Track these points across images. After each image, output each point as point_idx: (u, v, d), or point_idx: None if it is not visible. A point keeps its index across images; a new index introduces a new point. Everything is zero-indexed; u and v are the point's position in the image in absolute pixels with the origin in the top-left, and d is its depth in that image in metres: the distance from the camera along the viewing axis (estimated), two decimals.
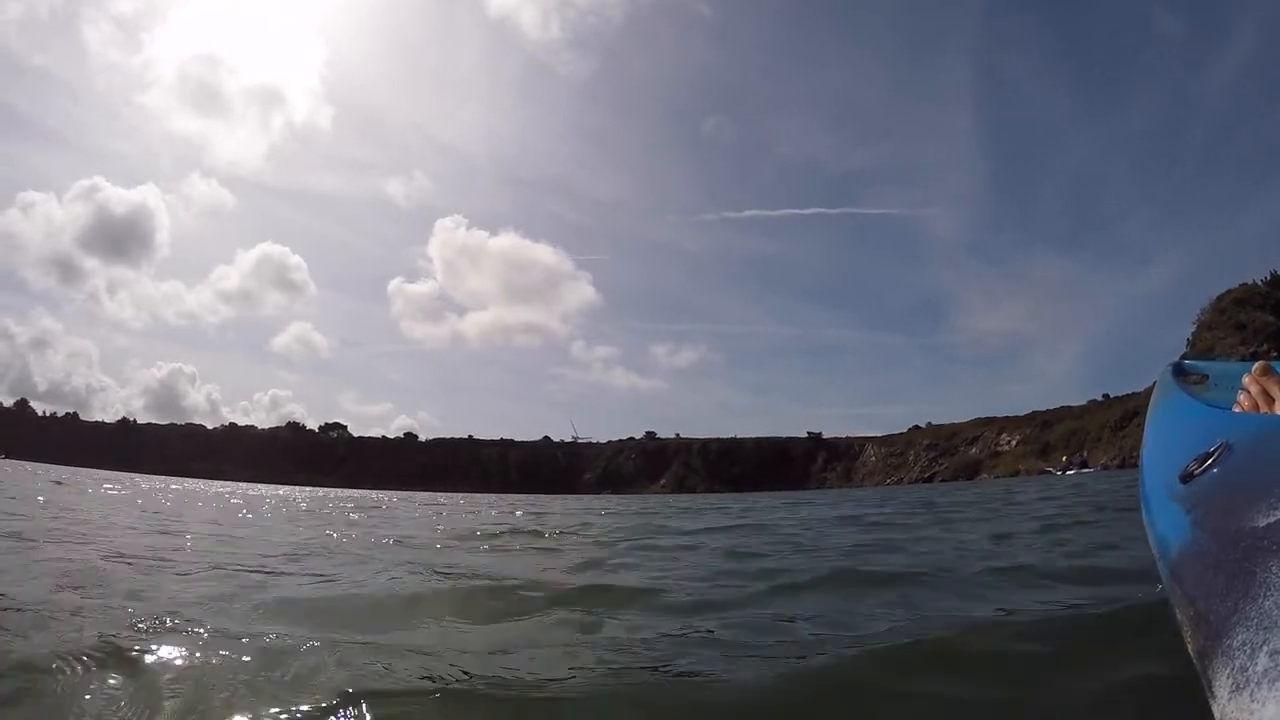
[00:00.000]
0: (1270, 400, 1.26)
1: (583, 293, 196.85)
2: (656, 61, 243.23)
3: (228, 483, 56.43)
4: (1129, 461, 70.09)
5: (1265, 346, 68.24)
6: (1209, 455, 0.95)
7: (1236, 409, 1.33)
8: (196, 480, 58.70)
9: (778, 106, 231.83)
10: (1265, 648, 0.57)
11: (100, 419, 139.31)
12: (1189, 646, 0.72)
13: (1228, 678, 0.60)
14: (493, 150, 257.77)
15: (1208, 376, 1.89)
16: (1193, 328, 76.08)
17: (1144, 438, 1.52)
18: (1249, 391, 1.32)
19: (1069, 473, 59.89)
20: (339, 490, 53.23)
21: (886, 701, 2.05)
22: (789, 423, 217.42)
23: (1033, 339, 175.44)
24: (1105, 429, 77.51)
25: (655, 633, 2.90)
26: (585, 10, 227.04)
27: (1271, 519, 0.68)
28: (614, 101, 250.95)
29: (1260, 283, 76.90)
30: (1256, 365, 1.34)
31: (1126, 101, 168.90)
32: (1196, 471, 0.96)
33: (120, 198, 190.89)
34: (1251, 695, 0.56)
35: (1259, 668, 0.57)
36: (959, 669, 2.22)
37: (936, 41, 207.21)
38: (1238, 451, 0.92)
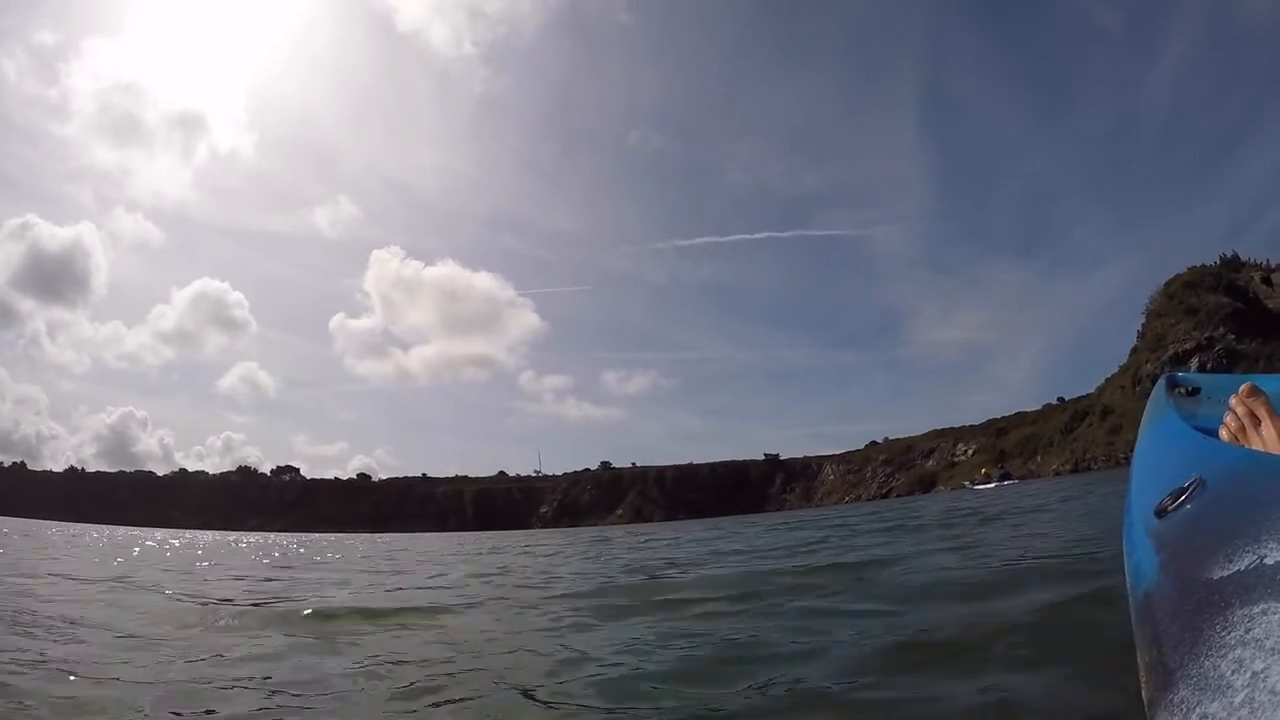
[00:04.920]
0: (1256, 421, 1.27)
1: (526, 321, 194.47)
2: (600, 87, 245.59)
3: (171, 530, 53.20)
4: (1081, 465, 67.76)
5: (1221, 330, 65.63)
6: (1183, 490, 0.94)
7: (1223, 430, 1.34)
8: (134, 529, 55.36)
9: (727, 131, 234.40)
10: (1198, 710, 0.56)
11: (50, 468, 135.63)
12: (1143, 691, 0.71)
13: None
14: (431, 180, 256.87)
15: (1200, 389, 1.89)
16: (1142, 318, 73.48)
17: (1133, 459, 1.51)
18: (1235, 413, 1.32)
19: (989, 485, 58.48)
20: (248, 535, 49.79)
21: None
22: (750, 445, 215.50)
23: (991, 348, 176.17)
24: (1057, 433, 75.47)
25: None
26: (517, 40, 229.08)
27: (1226, 572, 0.66)
28: (558, 128, 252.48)
29: (1211, 265, 73.87)
30: (1244, 386, 1.33)
31: (1072, 109, 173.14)
32: (1170, 507, 0.94)
33: (52, 235, 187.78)
34: None
35: None
36: None
37: (882, 60, 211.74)
38: (1210, 490, 0.91)
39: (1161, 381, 1.93)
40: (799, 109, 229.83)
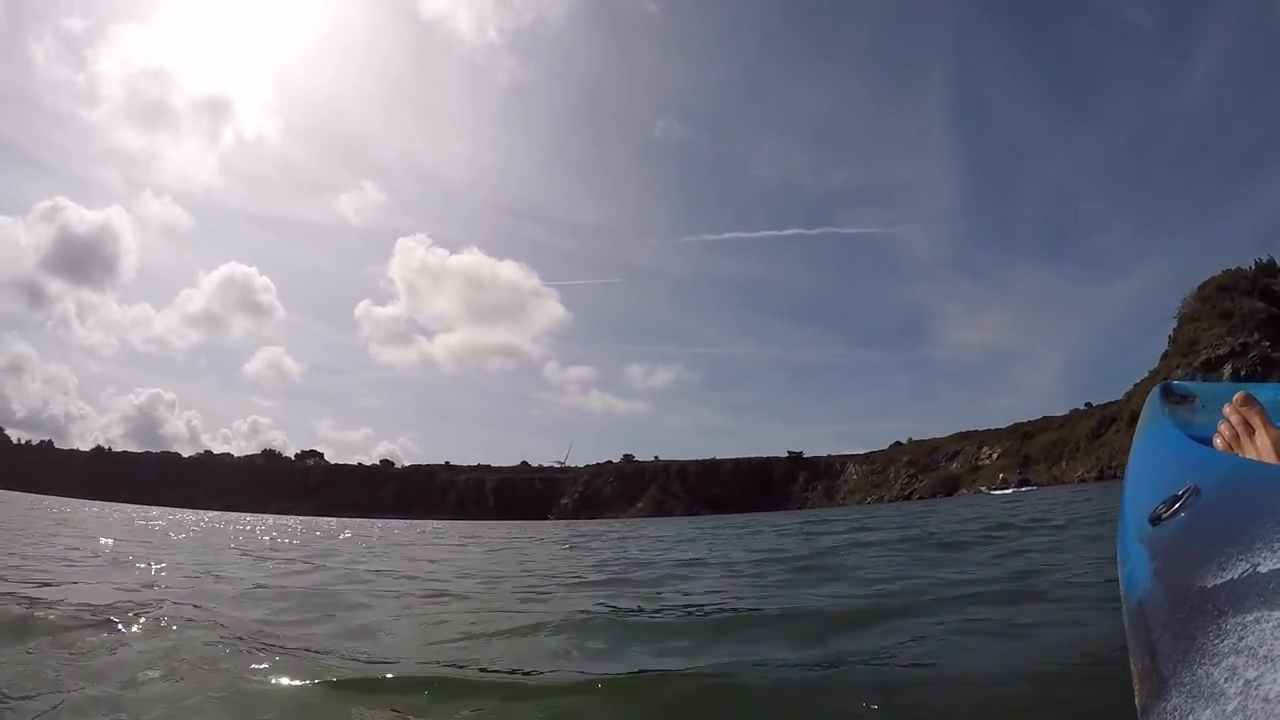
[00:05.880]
0: (1251, 430, 1.26)
1: (551, 311, 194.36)
2: (626, 77, 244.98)
3: (193, 510, 54.36)
4: (1107, 473, 67.71)
5: (1256, 336, 64.46)
6: (1177, 499, 0.94)
7: (1217, 439, 1.33)
8: (155, 508, 56.36)
9: (753, 125, 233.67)
10: (1190, 717, 0.56)
11: (77, 447, 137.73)
12: (1136, 699, 0.72)
13: None
14: (456, 168, 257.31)
15: (1196, 397, 1.89)
16: (1174, 322, 71.01)
17: (1128, 466, 1.52)
18: (1230, 421, 1.31)
19: (1005, 491, 58.01)
20: (276, 518, 50.67)
21: None
22: (774, 442, 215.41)
23: (1017, 351, 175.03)
24: (1083, 439, 75.29)
25: None
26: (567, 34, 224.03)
27: (1220, 580, 0.67)
28: (583, 118, 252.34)
29: (1247, 268, 70.76)
30: (1237, 395, 1.32)
31: (1101, 113, 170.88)
32: (1164, 515, 0.94)
33: (82, 217, 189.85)
34: None
35: None
36: None
37: (912, 60, 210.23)
38: (1204, 499, 0.91)
39: (1157, 389, 1.94)
40: (825, 105, 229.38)
